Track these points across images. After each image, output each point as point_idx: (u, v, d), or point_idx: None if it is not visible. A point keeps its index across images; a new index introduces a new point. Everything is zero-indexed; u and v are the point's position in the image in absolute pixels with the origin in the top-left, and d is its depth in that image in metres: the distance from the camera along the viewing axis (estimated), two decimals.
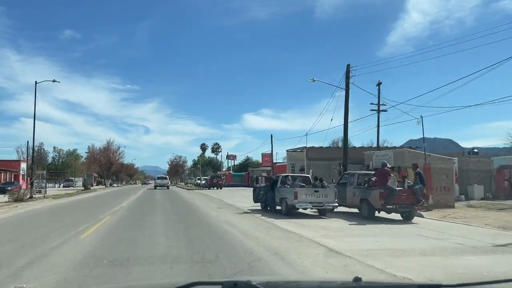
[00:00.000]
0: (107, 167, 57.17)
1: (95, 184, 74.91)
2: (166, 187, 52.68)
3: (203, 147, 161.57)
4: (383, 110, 30.26)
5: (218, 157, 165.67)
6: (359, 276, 1.84)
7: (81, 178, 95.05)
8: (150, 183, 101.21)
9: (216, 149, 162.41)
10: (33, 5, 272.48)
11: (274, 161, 50.51)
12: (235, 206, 19.14)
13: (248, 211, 16.23)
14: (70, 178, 75.96)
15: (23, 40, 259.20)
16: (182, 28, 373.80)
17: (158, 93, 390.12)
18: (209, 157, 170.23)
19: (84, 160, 58.27)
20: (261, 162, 71.70)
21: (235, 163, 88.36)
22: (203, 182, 52.94)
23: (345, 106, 22.39)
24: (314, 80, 21.51)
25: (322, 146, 38.53)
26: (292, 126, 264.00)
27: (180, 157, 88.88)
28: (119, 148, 62.44)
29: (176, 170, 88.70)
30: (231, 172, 54.11)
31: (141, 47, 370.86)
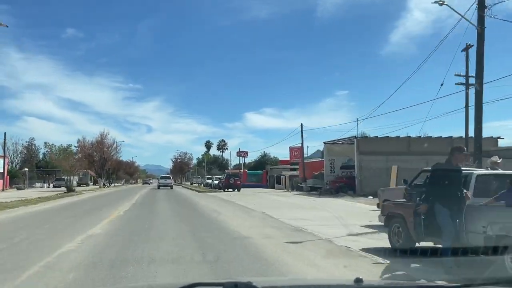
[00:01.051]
0: (100, 164, 48.66)
1: (91, 183, 66.04)
2: (169, 187, 49.96)
3: (208, 145, 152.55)
4: (472, 84, 21.31)
5: (225, 155, 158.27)
6: (360, 277, 1.86)
7: (76, 177, 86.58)
8: (152, 183, 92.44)
9: (222, 146, 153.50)
10: (36, 3, 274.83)
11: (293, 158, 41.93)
12: (316, 235, 9.85)
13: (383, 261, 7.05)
14: (62, 177, 67.23)
15: (26, 38, 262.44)
16: (183, 28, 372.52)
17: (160, 92, 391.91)
18: (214, 155, 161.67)
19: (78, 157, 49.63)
20: (280, 159, 62.61)
21: (246, 160, 79.39)
22: (216, 182, 43.83)
23: (477, 59, 13.26)
24: (442, 3, 12.35)
25: (377, 136, 29.46)
26: (294, 125, 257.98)
27: (185, 153, 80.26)
28: (115, 142, 53.48)
29: (181, 168, 79.79)
30: (246, 170, 45.42)
31: (143, 46, 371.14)
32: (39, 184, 63.69)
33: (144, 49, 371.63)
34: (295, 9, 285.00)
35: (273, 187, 50.25)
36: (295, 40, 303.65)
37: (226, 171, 53.71)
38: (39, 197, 26.08)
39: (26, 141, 77.31)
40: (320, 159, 41.46)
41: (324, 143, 34.10)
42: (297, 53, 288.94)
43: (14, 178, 54.60)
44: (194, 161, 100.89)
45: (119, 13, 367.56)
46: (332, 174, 33.66)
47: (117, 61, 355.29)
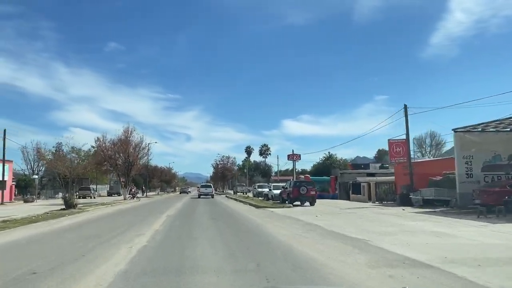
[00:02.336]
0: (125, 169, 40.01)
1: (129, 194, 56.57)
2: (210, 196, 46.84)
3: (249, 150, 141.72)
4: None
5: (267, 160, 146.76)
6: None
7: (106, 186, 77.84)
8: (190, 191, 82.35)
9: (264, 151, 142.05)
10: (79, 19, 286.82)
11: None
12: None
13: None
14: (86, 186, 58.19)
15: (71, 53, 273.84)
16: (220, 36, 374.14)
17: (198, 101, 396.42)
18: (254, 161, 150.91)
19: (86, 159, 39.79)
20: (371, 156, 50.26)
21: (285, 164, 67.31)
22: (275, 191, 32.27)
23: None
24: None
25: None
26: (332, 131, 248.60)
27: (228, 158, 69.17)
28: (142, 141, 40.66)
29: (223, 175, 68.84)
30: (308, 176, 33.95)
31: (181, 57, 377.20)
32: (62, 194, 54.64)
33: (182, 59, 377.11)
34: (331, 14, 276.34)
35: (346, 198, 38.01)
36: (332, 45, 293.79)
37: (298, 176, 41.76)
38: (6, 220, 15.60)
39: (53, 146, 69.75)
40: (426, 159, 29.08)
41: (455, 130, 21.58)
42: (334, 58, 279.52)
43: (28, 188, 45.65)
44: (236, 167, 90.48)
45: (158, 25, 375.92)
46: (469, 179, 21.22)
47: (156, 72, 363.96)
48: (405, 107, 25.75)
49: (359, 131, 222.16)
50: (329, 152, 63.36)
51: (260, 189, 41.50)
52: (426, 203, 23.71)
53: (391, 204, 28.35)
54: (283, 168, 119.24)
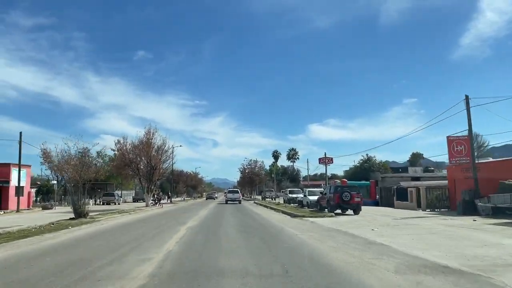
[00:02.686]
0: (147, 174, 37.47)
1: (151, 199, 54.28)
2: (238, 202, 46.43)
3: (276, 155, 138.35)
4: None
5: (295, 165, 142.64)
6: None
7: (132, 191, 76.22)
8: (217, 197, 79.57)
9: (292, 156, 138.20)
10: (109, 29, 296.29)
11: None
12: None
13: None
14: (110, 191, 56.36)
15: (101, 62, 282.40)
16: (246, 43, 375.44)
17: (224, 107, 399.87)
18: (281, 166, 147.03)
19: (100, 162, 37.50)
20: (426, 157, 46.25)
21: (316, 168, 63.15)
22: (311, 198, 28.77)
23: None
24: None
25: None
26: (359, 136, 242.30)
27: (256, 162, 65.87)
28: (165, 143, 36.74)
29: (251, 180, 65.60)
30: (345, 180, 30.28)
31: (207, 63, 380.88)
32: (87, 200, 52.89)
33: (208, 66, 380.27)
34: (357, 17, 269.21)
35: (389, 204, 33.99)
36: (358, 49, 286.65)
37: (334, 181, 38.20)
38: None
39: (79, 151, 68.61)
40: (491, 160, 25.02)
41: None
42: (361, 62, 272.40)
43: (50, 194, 43.94)
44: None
45: (185, 33, 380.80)
46: None
47: (183, 79, 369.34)
48: (467, 98, 21.77)
49: (387, 134, 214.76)
50: (367, 154, 58.96)
51: (292, 195, 37.99)
52: (497, 212, 19.64)
53: (447, 212, 24.29)
54: (311, 173, 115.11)
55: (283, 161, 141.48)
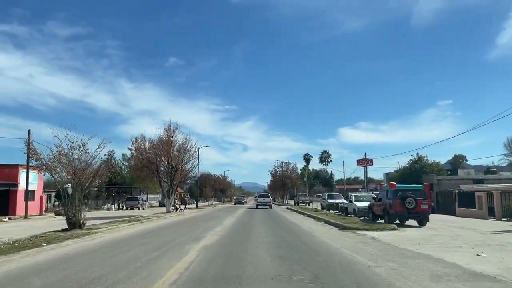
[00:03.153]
0: (168, 175, 32.16)
1: (178, 203, 50.83)
2: (268, 206, 45.11)
3: (307, 158, 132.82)
4: None
5: (329, 168, 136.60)
6: None
7: (159, 195, 73.16)
8: (246, 202, 75.25)
9: (325, 158, 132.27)
10: (142, 37, 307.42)
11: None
12: None
13: None
14: (135, 196, 53.32)
15: (134, 69, 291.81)
16: (275, 47, 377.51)
17: (254, 111, 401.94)
18: (313, 169, 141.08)
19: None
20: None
21: (354, 171, 57.28)
22: (361, 204, 23.83)
23: None
24: None
25: None
26: (392, 139, 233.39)
27: (288, 164, 60.94)
28: (187, 141, 32.34)
29: (283, 184, 60.72)
30: (394, 183, 25.24)
31: (237, 68, 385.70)
32: (108, 205, 50.01)
33: (238, 71, 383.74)
34: (388, 19, 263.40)
35: (449, 212, 28.52)
36: (390, 51, 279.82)
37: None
38: None
39: (105, 154, 66.46)
40: None
41: None
42: (393, 64, 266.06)
43: (67, 198, 40.86)
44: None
45: (215, 39, 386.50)
46: None
47: (214, 84, 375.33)
48: None
49: (422, 137, 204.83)
50: (417, 154, 52.85)
51: (332, 200, 33.04)
52: None
53: None
54: (346, 177, 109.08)
55: (314, 165, 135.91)
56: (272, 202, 48.76)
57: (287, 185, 59.48)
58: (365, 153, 49.46)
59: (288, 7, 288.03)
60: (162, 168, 31.02)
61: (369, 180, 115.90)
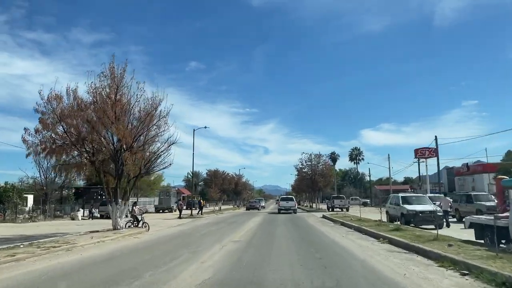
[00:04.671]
0: (114, 160, 16.86)
1: (194, 209, 37.34)
2: (292, 211, 38.89)
3: (334, 157, 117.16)
4: None
5: (360, 167, 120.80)
6: None
7: (155, 199, 59.91)
8: (264, 206, 60.89)
9: (356, 156, 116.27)
10: (163, 42, 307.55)
11: None
12: None
13: None
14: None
15: (157, 74, 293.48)
16: (296, 49, 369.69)
17: (275, 114, 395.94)
18: (339, 169, 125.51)
19: None
20: None
21: (412, 166, 42.16)
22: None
23: None
24: None
25: None
26: (415, 141, 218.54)
27: (319, 156, 46.00)
28: (154, 99, 17.53)
29: (312, 183, 45.67)
30: (501, 177, 11.56)
31: (258, 71, 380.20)
32: (77, 212, 36.83)
33: (259, 74, 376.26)
34: (410, 19, 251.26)
35: None
36: (413, 51, 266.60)
37: (498, 178, 18.25)
38: None
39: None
40: None
41: None
42: (416, 65, 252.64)
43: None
44: None
45: (236, 42, 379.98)
46: None
47: (235, 87, 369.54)
48: None
49: (448, 139, 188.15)
50: None
51: (412, 206, 18.58)
52: None
53: None
54: (374, 177, 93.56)
55: (341, 165, 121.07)
56: (296, 206, 42.09)
57: (317, 184, 44.97)
58: (436, 135, 34.60)
59: (308, 10, 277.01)
60: (103, 147, 17.08)
61: (408, 180, 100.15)
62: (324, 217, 30.87)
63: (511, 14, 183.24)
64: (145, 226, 19.44)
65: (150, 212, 48.45)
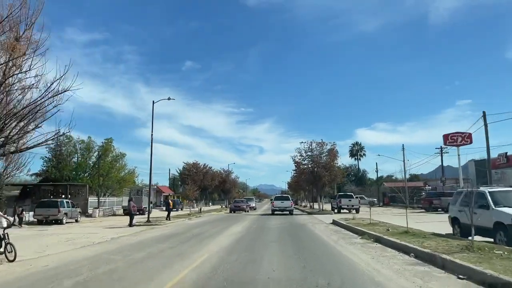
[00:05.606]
0: None
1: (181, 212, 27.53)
2: (288, 212, 34.27)
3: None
4: None
5: (362, 163, 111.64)
6: None
7: (123, 198, 49.97)
8: (255, 208, 50.65)
9: (357, 152, 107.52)
10: (158, 42, 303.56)
11: None
12: None
13: None
14: (54, 199, 31.16)
15: (151, 74, 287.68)
16: (291, 49, 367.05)
17: (271, 114, 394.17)
18: (338, 166, 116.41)
19: None
20: None
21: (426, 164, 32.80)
22: None
23: None
24: None
25: None
26: (410, 140, 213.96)
27: (323, 144, 36.01)
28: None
29: (315, 178, 35.69)
30: None
31: (253, 71, 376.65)
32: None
33: (255, 74, 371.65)
34: (405, 19, 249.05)
35: None
36: (407, 51, 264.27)
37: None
38: None
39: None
40: None
41: None
42: (410, 64, 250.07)
43: None
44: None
45: (231, 42, 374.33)
46: None
47: (230, 87, 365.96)
48: None
49: (441, 138, 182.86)
50: None
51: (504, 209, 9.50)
52: None
53: None
54: (375, 175, 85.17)
55: (348, 158, 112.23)
56: (293, 206, 36.59)
57: (321, 180, 35.47)
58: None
59: (304, 9, 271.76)
60: None
61: (414, 177, 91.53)
62: (334, 223, 21.71)
63: (506, 14, 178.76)
64: (11, 250, 10.15)
65: (118, 215, 39.11)
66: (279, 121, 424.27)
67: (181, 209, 51.46)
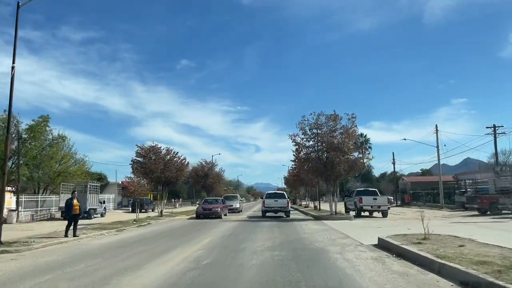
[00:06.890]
0: None
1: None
2: (284, 214, 28.14)
3: None
4: None
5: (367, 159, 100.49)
6: None
7: (112, 195, 37.55)
8: (240, 210, 38.00)
9: (361, 144, 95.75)
10: (153, 40, 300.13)
11: None
12: None
13: None
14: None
15: (147, 72, 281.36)
16: (288, 47, 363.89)
17: (266, 112, 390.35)
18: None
19: None
20: None
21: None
22: None
23: None
24: None
25: None
26: (406, 138, 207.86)
27: (336, 118, 24.51)
28: None
29: (326, 167, 23.92)
30: None
31: (249, 70, 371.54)
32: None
33: (251, 73, 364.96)
34: (400, 17, 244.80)
35: None
36: (402, 50, 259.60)
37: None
38: None
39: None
40: None
41: None
42: (405, 63, 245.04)
43: None
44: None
45: (227, 41, 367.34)
46: None
47: (226, 86, 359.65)
48: None
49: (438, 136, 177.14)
50: None
51: None
52: None
53: None
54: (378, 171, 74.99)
55: None
56: (289, 205, 28.98)
57: (336, 168, 23.42)
58: None
59: (298, 8, 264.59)
60: None
61: (425, 173, 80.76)
62: (385, 247, 9.99)
63: (499, 14, 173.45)
64: None
65: (56, 219, 27.44)
66: (275, 119, 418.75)
67: (152, 210, 41.23)
